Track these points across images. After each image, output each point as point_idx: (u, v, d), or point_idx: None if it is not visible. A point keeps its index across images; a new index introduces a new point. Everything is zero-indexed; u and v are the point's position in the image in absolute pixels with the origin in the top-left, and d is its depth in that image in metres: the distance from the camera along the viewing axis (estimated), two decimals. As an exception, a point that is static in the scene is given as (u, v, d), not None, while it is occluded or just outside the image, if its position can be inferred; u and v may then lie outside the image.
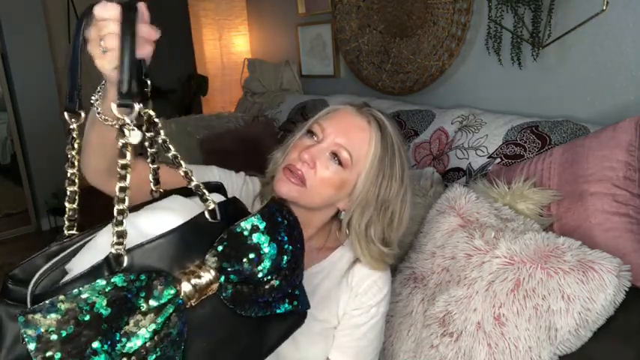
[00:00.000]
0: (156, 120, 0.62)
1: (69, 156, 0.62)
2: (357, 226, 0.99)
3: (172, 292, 0.54)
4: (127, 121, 0.57)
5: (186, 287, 0.56)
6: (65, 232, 0.63)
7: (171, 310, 0.54)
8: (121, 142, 0.57)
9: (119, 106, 0.57)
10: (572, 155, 1.30)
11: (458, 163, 1.70)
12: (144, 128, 0.63)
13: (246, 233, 0.61)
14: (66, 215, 0.63)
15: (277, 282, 0.64)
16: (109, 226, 0.58)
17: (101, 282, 0.50)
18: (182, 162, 0.62)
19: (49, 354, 0.46)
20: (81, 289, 0.49)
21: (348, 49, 2.36)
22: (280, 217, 0.66)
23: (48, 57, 3.59)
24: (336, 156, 0.94)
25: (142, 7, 0.60)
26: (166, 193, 0.70)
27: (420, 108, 2.01)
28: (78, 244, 0.62)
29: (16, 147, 3.65)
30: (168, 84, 3.68)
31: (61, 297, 0.48)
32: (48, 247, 0.62)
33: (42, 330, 0.47)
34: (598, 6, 1.48)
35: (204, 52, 3.27)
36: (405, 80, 2.14)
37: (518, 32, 1.68)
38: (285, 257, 0.64)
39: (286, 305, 0.68)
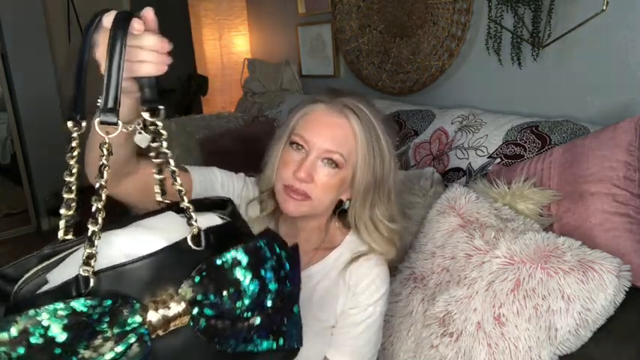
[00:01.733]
0: (162, 131, 0.61)
1: (69, 164, 0.61)
2: (363, 212, 1.01)
3: (137, 320, 0.51)
4: (106, 139, 0.56)
5: (153, 317, 0.52)
6: (60, 236, 0.61)
7: (133, 340, 0.50)
8: (102, 157, 0.56)
9: (100, 123, 0.56)
10: (572, 155, 1.30)
11: (458, 163, 1.70)
12: (149, 138, 0.62)
13: (227, 266, 0.56)
14: (62, 221, 0.61)
15: (259, 320, 0.59)
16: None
17: (59, 305, 0.47)
18: (178, 178, 0.60)
19: None
20: (38, 310, 0.46)
21: (348, 49, 2.36)
22: (269, 252, 0.60)
23: (48, 57, 3.59)
24: (329, 160, 0.95)
25: (148, 14, 0.58)
26: (169, 206, 0.66)
27: (420, 108, 2.01)
28: (68, 252, 0.60)
29: (16, 147, 3.65)
30: (168, 84, 3.68)
31: (18, 317, 0.46)
32: (41, 250, 0.60)
33: None
34: (598, 6, 1.48)
35: (204, 52, 3.27)
36: (405, 80, 2.14)
37: (518, 32, 1.68)
38: (269, 296, 0.59)
39: (270, 342, 0.61)
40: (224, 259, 0.56)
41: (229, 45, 3.20)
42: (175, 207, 0.64)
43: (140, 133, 0.59)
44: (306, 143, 0.96)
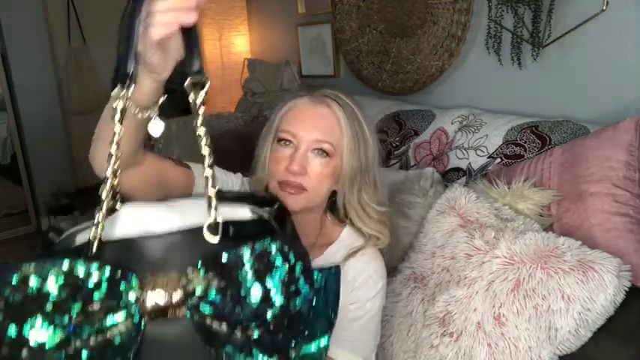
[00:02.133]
0: (199, 113, 0.57)
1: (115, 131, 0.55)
2: (352, 198, 1.02)
3: (132, 297, 0.49)
4: (119, 105, 0.53)
5: (149, 298, 0.50)
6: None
7: (124, 315, 0.49)
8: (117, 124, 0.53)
9: (113, 87, 0.54)
10: (572, 155, 1.30)
11: (458, 163, 1.70)
12: (163, 126, 0.59)
13: (232, 265, 0.51)
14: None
15: (256, 333, 0.52)
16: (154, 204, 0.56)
17: (60, 262, 0.47)
18: (207, 166, 0.55)
19: None
20: (43, 262, 0.46)
21: (348, 49, 2.36)
22: (281, 260, 0.54)
23: (48, 57, 3.59)
24: (319, 150, 0.97)
25: None
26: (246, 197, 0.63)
27: (420, 108, 2.01)
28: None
29: (16, 147, 3.65)
30: (168, 84, 3.67)
31: (23, 266, 0.46)
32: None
33: None
34: (598, 6, 1.48)
35: (205, 52, 3.27)
36: (405, 80, 2.14)
37: (518, 32, 1.68)
38: (271, 311, 0.53)
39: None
40: (231, 256, 0.52)
41: (229, 45, 3.20)
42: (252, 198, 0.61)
43: (155, 119, 0.56)
44: (294, 137, 0.97)
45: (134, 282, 0.49)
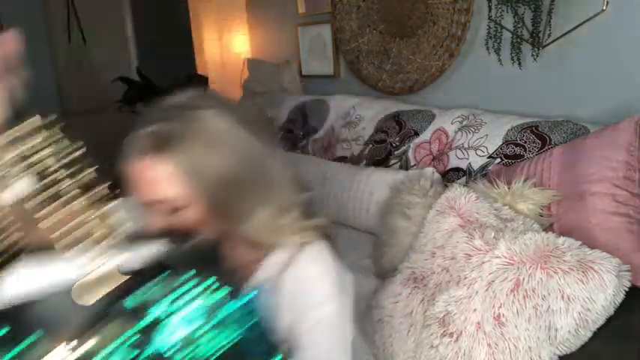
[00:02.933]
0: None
1: None
2: (240, 224, 0.82)
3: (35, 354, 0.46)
4: None
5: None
6: None
7: None
8: None
9: None
10: (572, 155, 1.30)
11: (458, 163, 1.70)
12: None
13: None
14: None
15: None
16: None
17: None
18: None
19: None
20: None
21: (348, 49, 2.36)
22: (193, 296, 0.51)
23: (48, 57, 3.59)
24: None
25: None
26: None
27: (420, 108, 2.01)
28: None
29: (16, 147, 3.65)
30: (168, 84, 3.68)
31: None
32: None
33: None
34: (598, 6, 1.48)
35: (204, 52, 3.27)
36: (405, 80, 2.14)
37: (519, 32, 1.68)
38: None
39: None
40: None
41: (229, 45, 3.20)
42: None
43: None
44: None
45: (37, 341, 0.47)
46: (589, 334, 1.02)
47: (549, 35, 1.63)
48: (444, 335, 1.10)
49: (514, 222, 1.20)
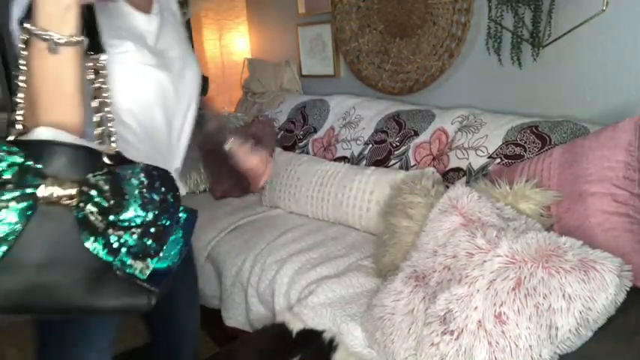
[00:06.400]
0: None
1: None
2: None
3: (35, 181, 0.62)
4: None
5: (48, 188, 0.63)
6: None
7: (24, 193, 0.61)
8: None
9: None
10: (572, 155, 1.31)
11: (458, 163, 1.70)
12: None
13: (123, 178, 0.68)
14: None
15: (127, 235, 0.67)
16: None
17: None
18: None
19: None
20: None
21: (348, 49, 2.37)
22: (159, 185, 0.71)
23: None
24: None
25: None
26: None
27: (420, 108, 2.02)
28: None
29: (15, 147, 3.65)
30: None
31: None
32: None
33: None
34: (598, 6, 1.48)
35: (205, 52, 3.27)
36: (405, 80, 2.15)
37: (518, 32, 1.68)
38: (141, 219, 0.68)
39: (130, 264, 0.68)
40: (124, 172, 0.68)
41: (229, 45, 3.20)
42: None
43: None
44: None
45: (39, 174, 0.63)
46: (590, 334, 1.02)
47: (549, 35, 1.63)
48: (445, 333, 1.11)
49: (516, 221, 1.20)
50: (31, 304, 0.65)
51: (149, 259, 0.70)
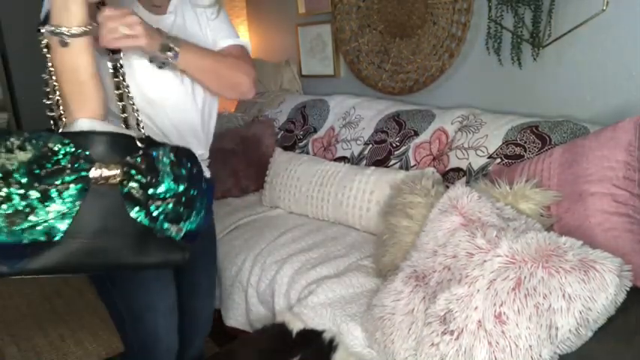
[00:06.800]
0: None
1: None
2: None
3: (85, 166, 0.75)
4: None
5: (96, 171, 0.76)
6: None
7: (73, 177, 0.74)
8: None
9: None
10: (572, 155, 1.31)
11: (458, 163, 1.70)
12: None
13: (157, 158, 0.81)
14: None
15: (168, 208, 0.82)
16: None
17: (42, 135, 0.74)
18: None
19: None
20: (27, 134, 0.74)
21: (348, 49, 2.37)
22: (186, 162, 0.86)
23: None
24: None
25: None
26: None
27: (420, 108, 2.02)
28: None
29: (15, 147, 3.65)
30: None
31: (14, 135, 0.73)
32: None
33: None
34: (598, 6, 1.48)
35: (204, 52, 3.27)
36: (405, 80, 2.15)
37: (518, 32, 1.68)
38: (174, 191, 0.83)
39: (167, 228, 0.83)
40: (157, 152, 0.82)
41: (229, 45, 3.20)
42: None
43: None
44: None
45: (88, 159, 0.75)
46: (590, 334, 1.02)
47: (549, 35, 1.63)
48: (445, 333, 1.11)
49: (516, 221, 1.20)
50: (90, 263, 0.78)
51: (182, 223, 0.85)
